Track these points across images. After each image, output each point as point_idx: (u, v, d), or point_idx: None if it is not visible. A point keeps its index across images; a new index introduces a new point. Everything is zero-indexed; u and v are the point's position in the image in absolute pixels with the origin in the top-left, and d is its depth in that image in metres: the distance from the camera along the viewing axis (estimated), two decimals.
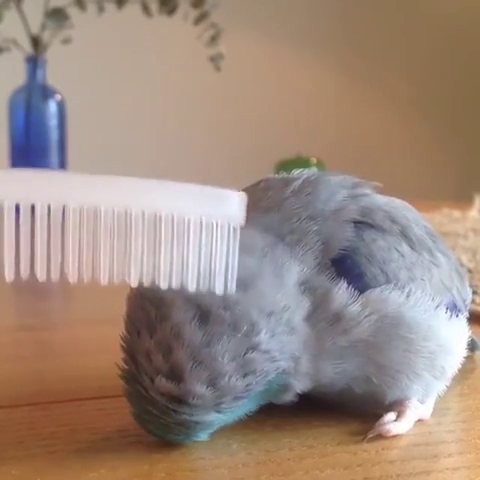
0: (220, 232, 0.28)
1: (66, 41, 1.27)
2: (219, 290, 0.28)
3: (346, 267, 0.32)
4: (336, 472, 0.29)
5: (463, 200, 1.38)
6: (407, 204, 0.37)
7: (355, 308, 0.32)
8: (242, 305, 0.29)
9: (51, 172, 0.27)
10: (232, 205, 0.28)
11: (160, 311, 0.29)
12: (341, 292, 0.32)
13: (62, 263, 0.27)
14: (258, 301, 0.30)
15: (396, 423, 0.33)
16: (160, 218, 0.27)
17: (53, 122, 1.24)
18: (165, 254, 0.28)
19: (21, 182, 0.26)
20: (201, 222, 0.28)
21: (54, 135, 1.24)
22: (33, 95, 1.26)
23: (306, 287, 0.31)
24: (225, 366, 0.29)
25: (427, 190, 1.87)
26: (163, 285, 0.28)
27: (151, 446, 0.31)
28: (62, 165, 1.21)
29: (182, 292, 0.28)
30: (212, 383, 0.29)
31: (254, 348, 0.29)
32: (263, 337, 0.30)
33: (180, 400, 0.29)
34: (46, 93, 1.26)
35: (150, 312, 0.30)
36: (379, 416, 0.33)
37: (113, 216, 0.27)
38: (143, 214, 0.27)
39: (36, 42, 1.27)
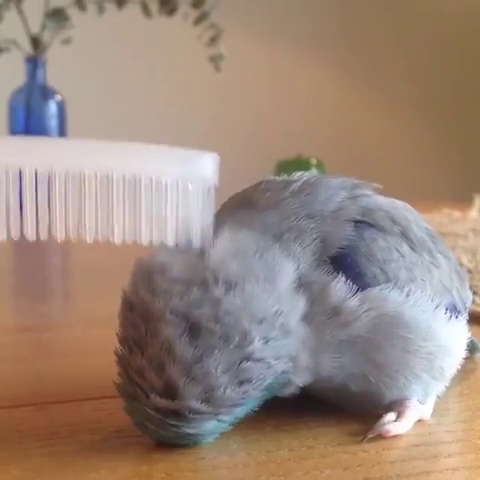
0: (195, 192, 0.30)
1: (66, 41, 1.27)
2: (196, 243, 0.30)
3: (346, 266, 0.32)
4: (336, 472, 0.29)
5: (463, 200, 1.38)
6: (408, 205, 0.37)
7: (354, 302, 0.32)
8: (233, 315, 0.29)
9: (37, 138, 0.30)
10: (205, 166, 0.31)
11: (150, 326, 0.29)
12: (340, 286, 0.32)
13: (50, 224, 0.29)
14: (249, 309, 0.30)
15: (396, 423, 0.33)
16: (140, 181, 0.29)
17: (53, 122, 1.25)
18: (146, 213, 0.30)
19: (10, 149, 0.29)
20: (177, 183, 0.30)
21: (54, 135, 1.24)
22: (33, 95, 1.26)
23: (302, 283, 0.31)
24: (219, 379, 0.29)
25: (427, 190, 1.87)
26: (144, 241, 0.30)
27: (151, 446, 0.31)
28: None
29: (171, 304, 0.29)
30: (207, 397, 0.29)
31: (248, 358, 0.29)
32: (256, 345, 0.29)
33: (177, 414, 0.29)
34: (46, 93, 1.26)
35: (140, 328, 0.30)
36: (379, 416, 0.33)
37: (96, 180, 0.29)
38: (124, 177, 0.29)
39: (36, 42, 1.27)
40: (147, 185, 0.29)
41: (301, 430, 0.33)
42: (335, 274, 0.32)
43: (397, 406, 0.34)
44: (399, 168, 2.10)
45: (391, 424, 0.33)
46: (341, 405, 0.34)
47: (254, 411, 0.32)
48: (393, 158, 2.14)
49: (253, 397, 0.30)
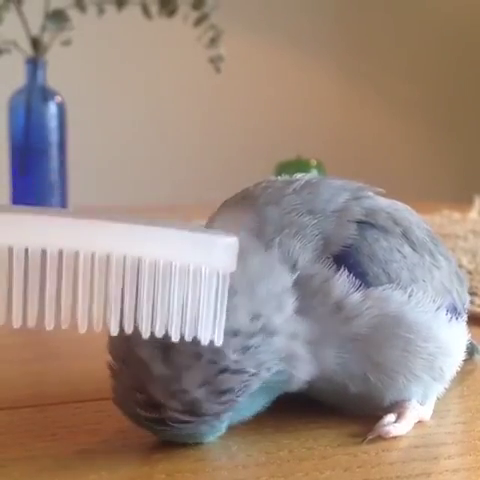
0: (208, 279, 0.27)
1: (66, 43, 1.27)
2: (205, 340, 0.28)
3: (348, 265, 0.32)
4: (336, 474, 0.29)
5: (463, 202, 1.38)
6: (408, 207, 0.37)
7: (356, 298, 0.32)
8: None
9: (32, 213, 0.26)
10: (222, 251, 0.28)
11: (129, 347, 0.30)
12: (342, 280, 0.32)
13: (40, 309, 0.26)
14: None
15: (396, 425, 0.33)
16: (144, 264, 0.26)
17: (53, 124, 1.25)
18: (147, 302, 0.26)
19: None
20: (188, 269, 0.27)
21: (54, 137, 1.24)
22: (33, 97, 1.26)
23: (302, 276, 0.31)
24: (196, 394, 0.29)
25: (427, 192, 1.87)
26: (145, 334, 0.27)
27: (151, 447, 0.31)
28: (62, 167, 1.21)
29: None
30: (188, 410, 0.29)
31: (223, 371, 0.29)
32: (232, 358, 0.29)
33: (164, 423, 0.30)
34: (46, 95, 1.26)
35: (122, 347, 0.30)
36: (379, 418, 0.33)
37: (93, 261, 0.26)
38: (124, 259, 0.26)
39: (36, 44, 1.27)
40: (151, 271, 0.26)
41: (301, 431, 0.33)
42: (337, 269, 0.32)
43: (397, 407, 0.34)
44: (399, 169, 2.10)
45: (391, 425, 0.33)
46: (341, 407, 0.34)
47: (270, 405, 0.32)
48: (393, 159, 2.14)
49: (241, 403, 0.31)
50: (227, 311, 0.29)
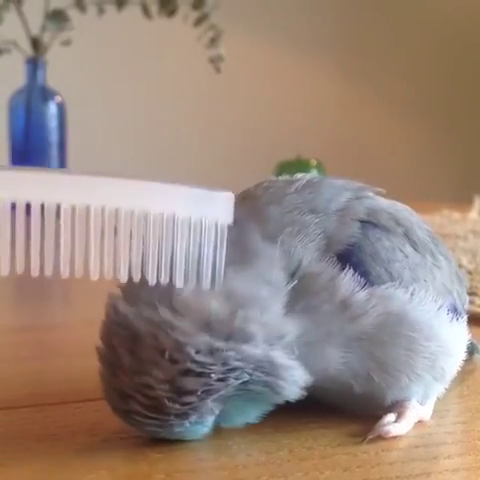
0: (207, 231, 0.30)
1: (66, 43, 1.27)
2: (206, 285, 0.29)
3: (351, 264, 0.32)
4: (336, 473, 0.29)
5: (463, 202, 1.38)
6: (408, 208, 0.37)
7: (362, 296, 0.32)
8: (168, 329, 0.29)
9: (46, 172, 0.28)
10: (220, 205, 0.30)
11: (108, 335, 0.30)
12: (348, 279, 0.32)
13: (56, 260, 0.28)
14: (184, 321, 0.29)
15: (396, 424, 0.33)
16: (150, 218, 0.29)
17: (53, 124, 1.25)
18: (154, 252, 0.29)
19: (16, 182, 0.27)
20: (190, 221, 0.29)
21: (54, 137, 1.24)
22: (33, 97, 1.26)
23: (304, 275, 0.31)
24: (159, 391, 0.29)
25: (427, 192, 1.87)
26: (151, 281, 0.29)
27: (150, 447, 0.31)
28: (62, 166, 1.21)
29: (118, 318, 0.30)
30: (150, 406, 0.29)
31: (186, 371, 0.29)
32: (195, 358, 0.29)
33: (131, 418, 0.30)
34: (46, 95, 1.26)
35: (104, 333, 0.31)
36: (379, 417, 0.33)
37: (103, 215, 0.28)
38: (132, 214, 0.28)
39: (36, 44, 1.27)
40: (156, 223, 0.29)
41: (301, 431, 0.33)
42: (341, 268, 0.32)
43: (397, 407, 0.34)
44: (399, 169, 2.10)
45: (391, 425, 0.33)
46: (342, 407, 0.34)
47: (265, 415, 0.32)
48: (393, 159, 2.14)
49: (212, 407, 0.30)
50: (200, 303, 0.29)
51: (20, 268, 0.27)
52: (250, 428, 0.32)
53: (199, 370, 0.29)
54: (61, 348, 0.49)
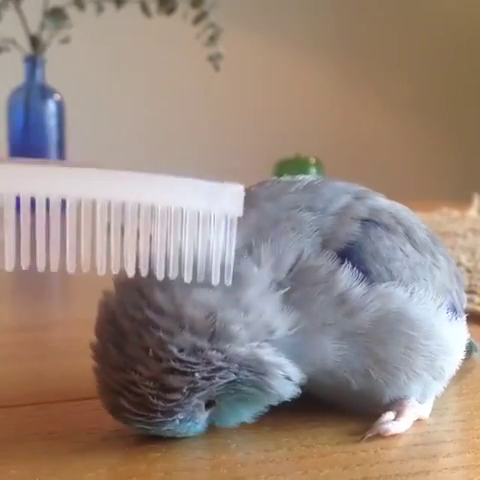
0: (217, 224, 0.29)
1: (65, 41, 1.27)
2: (215, 281, 0.29)
3: (351, 262, 0.32)
4: (335, 472, 0.29)
5: (462, 200, 1.38)
6: (408, 208, 0.37)
7: (360, 291, 0.32)
8: (152, 327, 0.29)
9: (51, 165, 0.28)
10: (229, 198, 0.29)
11: (98, 331, 0.31)
12: (347, 273, 0.32)
13: (62, 255, 0.28)
14: (167, 320, 0.29)
15: (395, 422, 0.33)
16: (157, 211, 0.28)
17: (52, 122, 1.25)
18: (161, 246, 0.29)
19: (22, 175, 0.27)
20: (198, 215, 0.29)
21: (53, 135, 1.24)
22: (32, 95, 1.26)
23: (300, 269, 0.31)
24: (144, 388, 0.29)
25: (426, 190, 1.87)
26: (159, 276, 0.29)
27: (150, 445, 0.31)
28: None
29: (107, 315, 0.30)
30: (137, 403, 0.30)
31: (169, 369, 0.29)
32: (178, 356, 0.29)
33: (119, 412, 0.30)
34: (45, 93, 1.26)
35: (98, 329, 0.31)
36: (378, 416, 0.33)
37: (110, 209, 0.28)
38: (139, 207, 0.28)
39: (35, 42, 1.27)
40: (164, 216, 0.28)
41: (300, 429, 0.33)
42: (341, 263, 0.32)
43: (396, 405, 0.34)
44: (398, 168, 2.10)
45: (390, 423, 0.33)
46: (341, 405, 0.34)
47: (260, 414, 0.32)
48: (392, 158, 2.14)
49: (224, 406, 0.31)
50: (179, 306, 0.29)
51: (25, 263, 0.27)
52: (249, 426, 0.32)
53: (183, 369, 0.29)
54: (60, 347, 0.49)
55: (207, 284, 0.30)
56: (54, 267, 0.28)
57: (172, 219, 0.29)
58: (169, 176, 0.29)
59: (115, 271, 0.29)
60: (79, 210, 0.28)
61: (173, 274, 0.29)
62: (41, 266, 0.28)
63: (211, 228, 0.29)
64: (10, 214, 0.27)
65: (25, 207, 0.27)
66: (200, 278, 0.29)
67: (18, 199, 0.27)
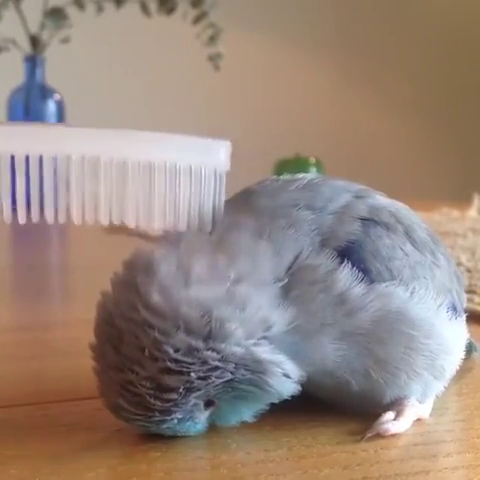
0: (207, 177, 0.32)
1: (65, 40, 1.27)
2: (208, 228, 0.32)
3: (351, 261, 0.32)
4: (335, 471, 0.29)
5: (462, 200, 1.38)
6: (408, 207, 0.37)
7: (360, 291, 0.32)
8: (147, 328, 0.29)
9: (55, 126, 0.31)
10: (218, 153, 0.33)
11: (96, 334, 0.31)
12: (346, 273, 0.32)
13: (67, 208, 0.30)
14: (162, 321, 0.29)
15: (395, 422, 0.33)
16: (154, 166, 0.31)
17: (52, 121, 1.24)
18: (159, 198, 0.31)
19: (29, 135, 0.30)
20: (190, 169, 0.32)
21: None
22: (32, 94, 1.26)
23: (299, 267, 0.31)
24: (141, 388, 0.29)
25: (426, 190, 1.87)
26: (158, 225, 0.31)
27: (150, 445, 0.31)
28: None
29: (107, 316, 0.30)
30: (135, 402, 0.30)
31: (165, 369, 0.29)
32: (173, 356, 0.29)
33: (118, 412, 0.31)
34: (45, 92, 1.26)
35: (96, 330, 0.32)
36: (377, 415, 0.33)
37: (111, 165, 0.30)
38: (138, 163, 0.31)
39: (35, 42, 1.27)
40: (161, 170, 0.31)
41: (300, 429, 0.33)
42: (341, 263, 0.32)
43: (396, 405, 0.34)
44: (398, 167, 2.10)
45: (390, 423, 0.33)
46: (341, 405, 0.34)
47: (260, 413, 0.32)
48: (392, 157, 2.14)
49: (223, 405, 0.31)
50: (178, 300, 0.29)
51: (36, 217, 0.30)
52: (249, 426, 0.32)
53: (178, 369, 0.29)
54: (60, 347, 0.49)
55: (203, 282, 0.30)
56: (61, 219, 0.30)
57: (167, 173, 0.31)
58: (163, 134, 0.32)
59: (118, 223, 0.31)
60: (83, 166, 0.30)
61: (169, 225, 0.31)
62: (51, 219, 0.30)
63: (202, 181, 0.32)
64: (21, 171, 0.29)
65: (34, 163, 0.29)
66: (193, 226, 0.32)
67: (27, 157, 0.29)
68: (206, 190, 0.32)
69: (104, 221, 0.31)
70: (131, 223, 0.31)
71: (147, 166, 0.31)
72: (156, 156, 0.31)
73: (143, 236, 0.75)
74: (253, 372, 0.30)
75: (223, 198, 0.33)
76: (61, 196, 0.30)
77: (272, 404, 0.32)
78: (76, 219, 0.30)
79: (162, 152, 0.31)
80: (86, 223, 0.31)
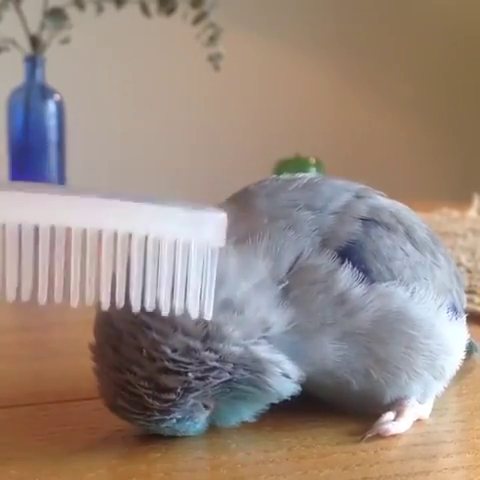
0: (196, 254, 0.28)
1: (65, 41, 1.27)
2: (194, 313, 0.28)
3: (352, 261, 0.32)
4: (335, 472, 0.29)
5: (462, 200, 1.38)
6: (408, 208, 0.37)
7: (360, 291, 0.32)
8: (145, 328, 0.29)
9: (32, 193, 0.26)
10: (211, 227, 0.28)
11: (96, 335, 0.31)
12: (346, 273, 0.32)
13: (34, 285, 0.26)
14: (160, 322, 0.29)
15: (395, 423, 0.33)
16: (133, 240, 0.27)
17: (52, 122, 1.24)
18: (138, 276, 0.27)
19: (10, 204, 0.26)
20: (176, 244, 0.27)
21: (53, 135, 1.24)
22: (32, 95, 1.26)
23: (300, 268, 0.31)
24: (139, 388, 0.30)
25: (426, 190, 1.87)
26: (135, 307, 0.27)
27: (150, 446, 0.31)
28: (60, 165, 1.21)
29: (106, 317, 0.30)
30: (134, 402, 0.30)
31: (163, 369, 0.29)
32: (171, 356, 0.29)
33: (117, 413, 0.31)
34: (45, 93, 1.26)
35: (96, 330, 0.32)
36: (378, 416, 0.33)
37: (85, 237, 0.26)
38: (115, 236, 0.26)
39: (35, 42, 1.27)
40: (141, 245, 0.27)
41: (300, 430, 0.33)
42: (341, 263, 0.32)
43: (396, 405, 0.34)
44: (398, 168, 2.10)
45: (390, 423, 0.33)
46: (341, 405, 0.34)
47: (261, 413, 0.32)
48: (392, 157, 2.13)
49: (223, 405, 0.31)
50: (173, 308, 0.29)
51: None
52: (249, 426, 0.32)
53: (176, 369, 0.29)
54: (60, 347, 0.49)
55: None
56: (25, 298, 0.27)
57: (151, 248, 0.27)
58: (148, 204, 0.27)
59: (89, 303, 0.27)
60: (53, 237, 0.26)
61: (150, 305, 0.27)
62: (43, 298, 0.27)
63: (191, 258, 0.28)
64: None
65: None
66: (179, 309, 0.28)
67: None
68: (195, 267, 0.28)
69: (73, 302, 0.27)
70: (105, 304, 0.27)
71: (126, 239, 0.27)
72: (137, 229, 0.27)
73: None
74: (252, 372, 0.30)
75: (214, 276, 0.28)
76: (26, 271, 0.26)
77: (272, 404, 0.32)
78: (41, 298, 0.27)
79: (144, 224, 0.27)
80: (53, 303, 0.27)
